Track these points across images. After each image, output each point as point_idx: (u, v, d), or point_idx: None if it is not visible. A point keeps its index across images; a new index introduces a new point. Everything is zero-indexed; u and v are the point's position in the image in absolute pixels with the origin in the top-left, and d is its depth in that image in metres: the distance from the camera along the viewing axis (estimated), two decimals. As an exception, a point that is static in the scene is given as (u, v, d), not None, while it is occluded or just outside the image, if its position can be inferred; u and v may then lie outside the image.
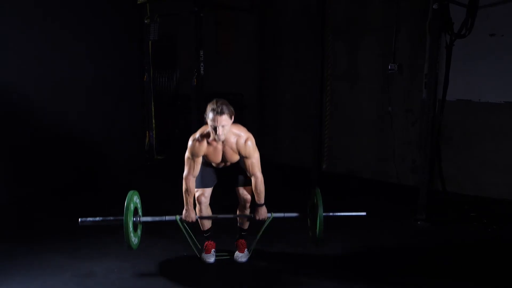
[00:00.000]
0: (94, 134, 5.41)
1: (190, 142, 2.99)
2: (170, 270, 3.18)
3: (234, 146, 2.98)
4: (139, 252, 3.43)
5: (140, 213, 3.20)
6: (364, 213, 3.34)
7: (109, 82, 5.54)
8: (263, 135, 5.60)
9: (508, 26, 4.28)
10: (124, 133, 5.75)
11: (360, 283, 3.02)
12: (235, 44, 6.50)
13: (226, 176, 3.16)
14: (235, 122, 2.95)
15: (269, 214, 3.16)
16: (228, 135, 2.92)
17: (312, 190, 3.28)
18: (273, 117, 6.07)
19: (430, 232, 3.83)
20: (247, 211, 3.25)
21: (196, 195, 3.16)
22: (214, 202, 3.28)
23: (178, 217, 3.14)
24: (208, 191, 3.18)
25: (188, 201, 3.07)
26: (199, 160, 3.02)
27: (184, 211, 3.11)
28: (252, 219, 3.19)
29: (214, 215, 3.25)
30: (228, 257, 3.30)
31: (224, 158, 3.03)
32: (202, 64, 5.51)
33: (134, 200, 3.10)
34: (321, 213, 3.07)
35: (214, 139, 2.92)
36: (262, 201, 3.11)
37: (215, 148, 2.98)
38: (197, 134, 2.99)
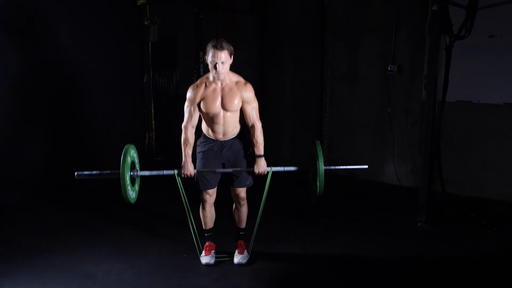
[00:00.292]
0: (94, 134, 5.42)
1: (188, 90, 3.01)
2: (170, 272, 3.17)
3: (234, 87, 2.97)
4: (138, 253, 3.44)
5: (137, 167, 3.03)
6: (366, 166, 3.27)
7: (109, 83, 5.55)
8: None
9: (508, 27, 4.28)
10: (124, 134, 5.75)
11: (360, 284, 3.03)
12: (235, 45, 6.43)
13: (228, 176, 3.15)
14: None
15: (268, 168, 3.09)
16: (228, 77, 2.96)
17: (312, 143, 3.15)
18: (273, 117, 6.06)
19: (430, 233, 3.83)
20: (243, 209, 3.26)
21: (202, 195, 3.18)
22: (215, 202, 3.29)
23: (176, 171, 3.04)
24: (212, 191, 3.18)
25: (186, 152, 3.02)
26: (197, 111, 3.00)
27: (182, 164, 3.03)
28: (251, 173, 3.12)
29: (213, 169, 3.10)
30: (228, 258, 3.29)
31: (223, 104, 2.97)
32: (202, 65, 5.51)
33: (131, 153, 2.92)
34: (322, 166, 2.95)
35: (214, 81, 2.95)
36: (262, 151, 3.08)
37: (214, 90, 2.96)
38: (196, 82, 3.04)
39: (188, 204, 3.11)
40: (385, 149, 5.23)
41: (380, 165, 5.27)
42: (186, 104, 3.02)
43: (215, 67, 2.86)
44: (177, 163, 3.07)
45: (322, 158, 2.97)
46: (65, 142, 4.98)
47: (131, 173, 2.93)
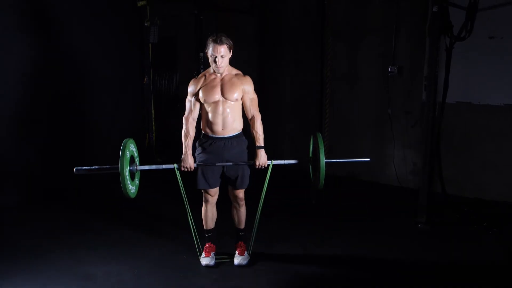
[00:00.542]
0: (94, 135, 5.42)
1: (189, 84, 3.08)
2: (170, 273, 3.17)
3: (234, 78, 3.03)
4: (138, 255, 3.44)
5: (136, 162, 3.01)
6: (368, 159, 3.25)
7: (109, 83, 5.55)
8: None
9: (508, 28, 4.28)
10: (124, 135, 5.71)
11: (360, 284, 3.03)
12: (235, 45, 6.47)
13: (229, 177, 3.15)
14: None
15: (269, 161, 3.10)
16: (228, 70, 3.04)
17: (313, 135, 3.14)
18: (273, 117, 6.06)
19: (430, 234, 3.83)
20: (241, 209, 3.26)
21: (203, 195, 3.19)
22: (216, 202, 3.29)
23: (176, 165, 3.04)
24: (213, 191, 3.18)
25: (186, 144, 3.03)
26: (198, 103, 3.04)
27: (182, 157, 3.02)
28: (252, 166, 3.11)
29: (212, 163, 3.06)
30: (228, 260, 3.29)
31: (222, 92, 3.00)
32: (202, 66, 5.51)
33: (130, 148, 2.90)
34: (323, 158, 2.93)
35: (214, 73, 3.02)
36: (262, 143, 3.09)
37: (214, 80, 3.02)
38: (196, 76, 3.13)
39: (187, 200, 3.10)
40: (385, 150, 5.23)
41: (380, 165, 5.27)
42: (188, 97, 3.09)
43: (215, 61, 2.95)
44: (177, 163, 3.07)
45: (323, 151, 2.95)
46: (65, 142, 4.97)
47: (131, 168, 2.90)
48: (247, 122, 3.16)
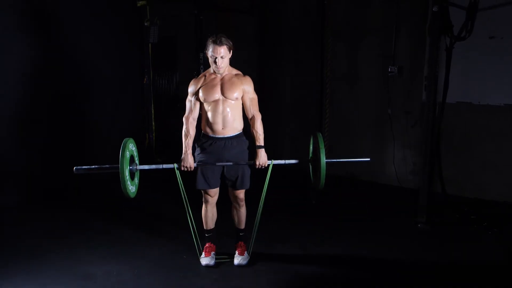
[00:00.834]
0: (94, 135, 5.42)
1: (189, 84, 3.10)
2: (170, 273, 3.17)
3: (234, 77, 3.05)
4: (138, 254, 3.44)
5: (136, 161, 3.01)
6: (368, 159, 3.26)
7: (109, 83, 5.55)
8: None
9: (508, 28, 4.28)
10: (124, 135, 5.71)
11: (360, 284, 3.03)
12: (235, 45, 6.46)
13: (229, 178, 3.15)
14: None
15: (269, 161, 3.10)
16: (228, 70, 3.06)
17: (313, 135, 3.15)
18: (273, 117, 6.06)
19: (430, 234, 3.83)
20: (242, 210, 3.26)
21: (203, 195, 3.19)
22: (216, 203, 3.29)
23: (176, 165, 3.04)
24: (214, 191, 3.18)
25: (186, 143, 3.04)
26: (198, 103, 3.06)
27: (182, 157, 3.03)
28: (252, 166, 3.11)
29: (212, 163, 3.06)
30: (228, 260, 3.29)
31: (222, 90, 3.01)
32: (202, 66, 5.51)
33: (129, 147, 2.90)
34: (323, 158, 2.92)
35: (214, 73, 3.04)
36: (262, 142, 3.10)
37: (214, 79, 3.04)
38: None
39: (187, 199, 3.09)
40: (385, 150, 5.23)
41: (380, 165, 5.27)
42: (188, 97, 3.10)
43: (215, 62, 2.97)
44: (177, 162, 3.07)
45: (324, 150, 2.96)
46: (65, 142, 4.97)
47: (131, 167, 2.90)
48: (248, 123, 3.17)
